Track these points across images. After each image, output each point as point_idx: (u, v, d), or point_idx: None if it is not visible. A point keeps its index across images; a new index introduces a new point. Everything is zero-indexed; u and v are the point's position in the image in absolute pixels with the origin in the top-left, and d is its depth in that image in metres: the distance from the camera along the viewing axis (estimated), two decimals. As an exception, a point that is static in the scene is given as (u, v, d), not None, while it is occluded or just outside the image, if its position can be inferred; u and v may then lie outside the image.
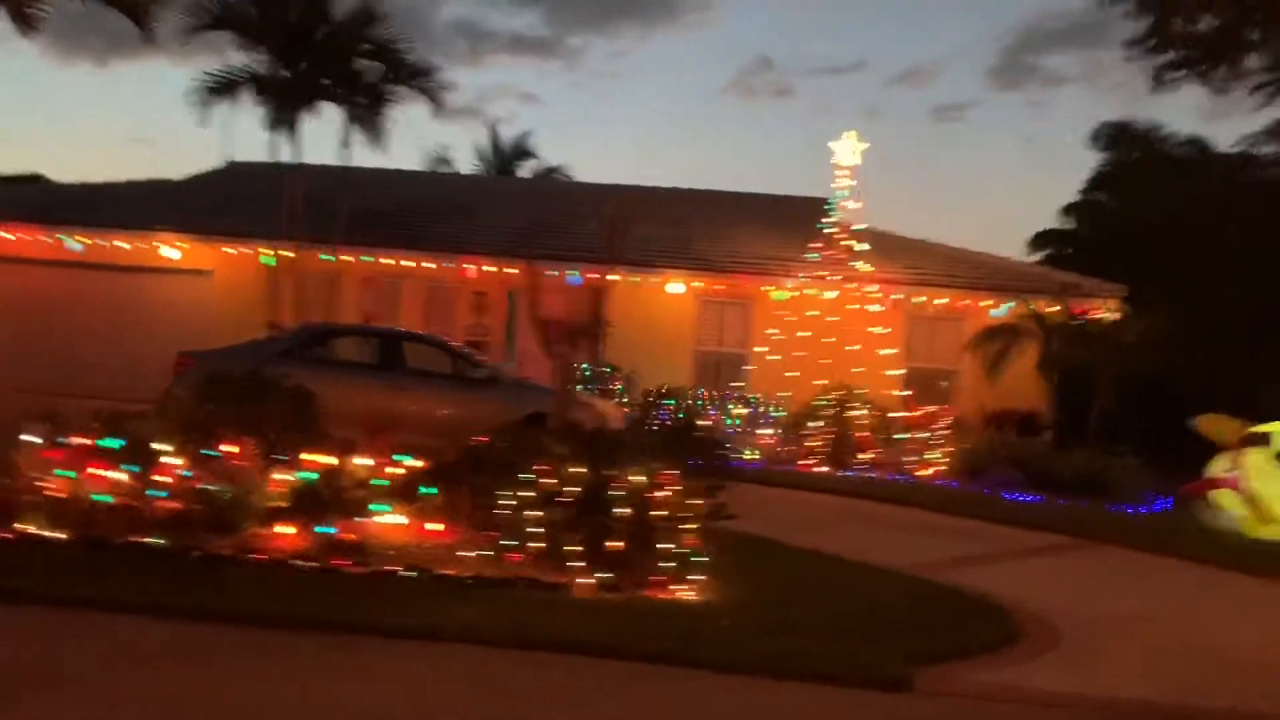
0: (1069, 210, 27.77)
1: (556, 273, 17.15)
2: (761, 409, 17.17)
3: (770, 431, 16.87)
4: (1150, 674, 6.46)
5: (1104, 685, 6.09)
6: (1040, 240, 27.69)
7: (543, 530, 7.06)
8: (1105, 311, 17.43)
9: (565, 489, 7.12)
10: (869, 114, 60.49)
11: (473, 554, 7.15)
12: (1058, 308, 16.68)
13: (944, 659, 6.13)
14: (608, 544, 6.91)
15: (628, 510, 7.00)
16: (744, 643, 5.96)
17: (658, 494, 7.18)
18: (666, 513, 7.12)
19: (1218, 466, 12.34)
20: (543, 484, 7.16)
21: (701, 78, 74.91)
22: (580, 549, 6.89)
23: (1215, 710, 5.87)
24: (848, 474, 15.62)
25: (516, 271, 16.86)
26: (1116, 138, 27.10)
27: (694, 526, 7.29)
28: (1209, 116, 63.35)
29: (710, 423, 16.47)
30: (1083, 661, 6.59)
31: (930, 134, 64.30)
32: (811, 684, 5.52)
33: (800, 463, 16.17)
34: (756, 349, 18.43)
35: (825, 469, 15.95)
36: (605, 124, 68.75)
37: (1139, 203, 21.80)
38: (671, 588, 6.93)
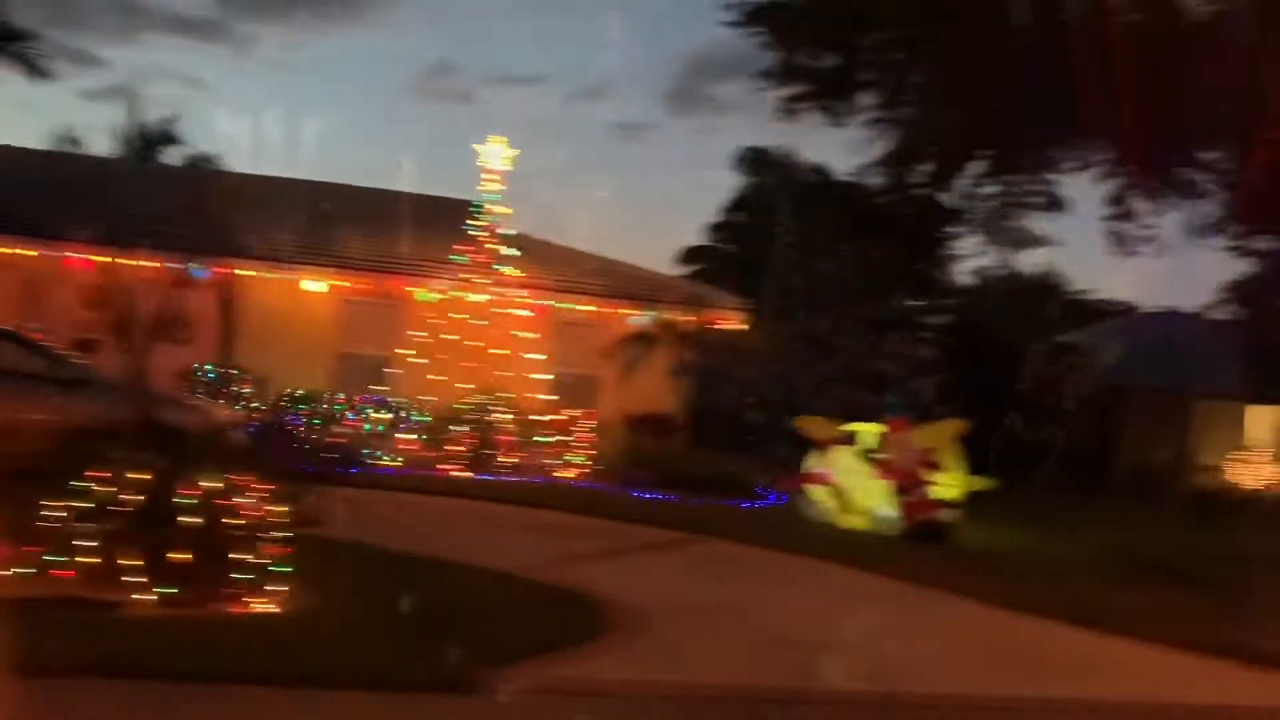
0: (715, 229, 29.66)
1: (182, 266, 15.96)
2: (404, 413, 16.78)
3: (412, 436, 16.51)
4: (725, 660, 6.83)
5: (677, 672, 6.37)
6: (689, 255, 29.30)
7: (96, 544, 6.37)
8: (733, 323, 18.64)
9: (125, 498, 6.46)
10: (549, 127, 61.42)
11: (9, 573, 6.32)
12: (691, 318, 17.63)
13: (524, 656, 6.13)
14: (172, 556, 6.34)
15: (198, 519, 6.46)
16: (311, 653, 5.68)
17: (235, 501, 6.69)
18: (244, 521, 6.65)
19: (812, 463, 13.48)
20: (98, 492, 6.47)
21: (380, 77, 73.07)
22: (139, 563, 6.28)
23: (772, 688, 6.30)
24: (487, 478, 15.59)
25: (137, 264, 15.45)
26: (756, 162, 29.20)
27: (278, 535, 6.86)
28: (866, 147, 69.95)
29: (349, 428, 15.93)
30: (663, 651, 6.86)
31: (609, 151, 66.30)
32: (373, 692, 5.33)
33: (441, 467, 15.94)
34: (402, 351, 17.99)
35: (466, 473, 15.82)
36: (275, 115, 65.20)
37: (767, 224, 23.61)
38: (249, 600, 6.48)
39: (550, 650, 6.33)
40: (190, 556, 6.39)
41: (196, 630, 5.96)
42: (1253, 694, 7.15)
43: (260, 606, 6.44)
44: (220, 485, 6.64)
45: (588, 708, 5.59)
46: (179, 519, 6.43)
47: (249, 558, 6.57)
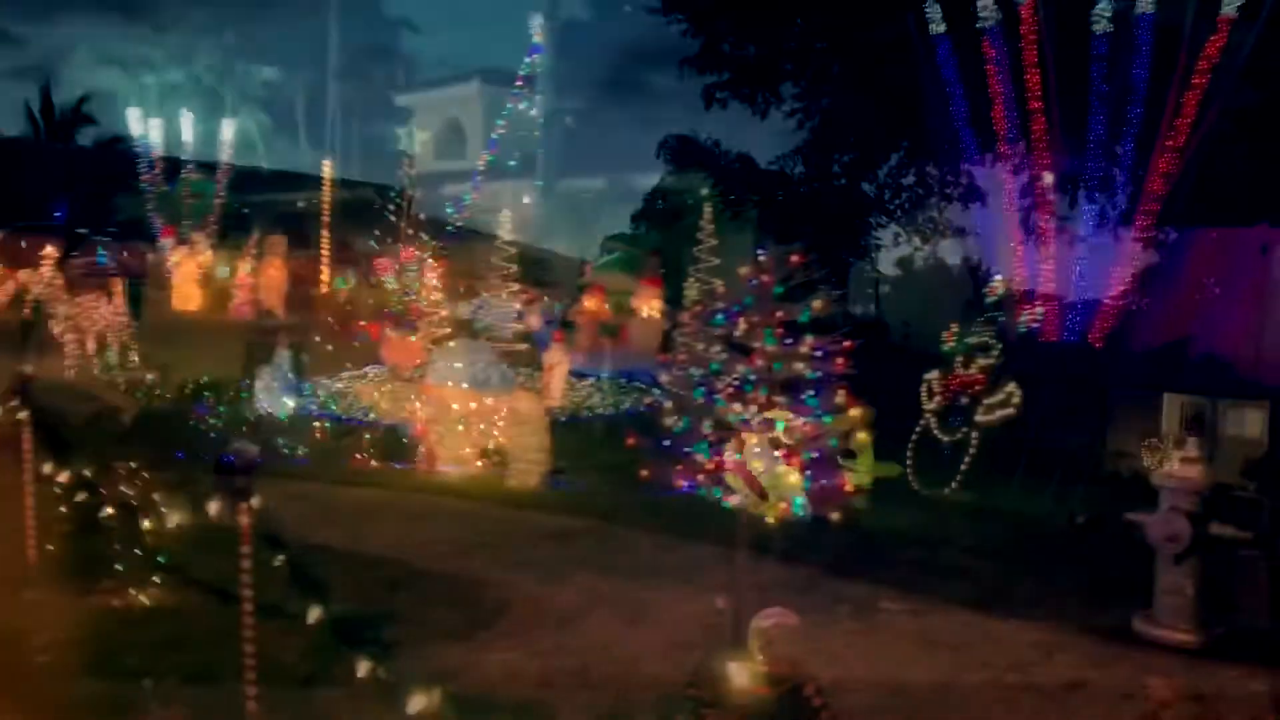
0: (635, 217, 29.64)
1: (87, 248, 15.48)
2: (316, 401, 16.45)
3: (324, 424, 16.17)
4: (621, 653, 6.79)
5: (568, 662, 6.32)
6: (611, 243, 29.07)
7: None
8: (651, 313, 18.64)
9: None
10: (480, 114, 60.48)
11: None
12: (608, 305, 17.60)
13: (414, 646, 6.06)
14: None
15: (73, 510, 6.25)
16: (192, 648, 5.53)
17: (118, 490, 6.48)
18: (125, 511, 6.44)
19: (724, 451, 13.46)
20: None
21: (308, 62, 71.64)
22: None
23: (665, 678, 6.29)
24: (400, 466, 15.32)
25: (36, 246, 14.96)
26: (680, 151, 29.05)
27: (164, 525, 6.66)
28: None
29: (258, 416, 15.58)
30: (557, 641, 6.81)
31: (542, 139, 65.53)
32: (245, 685, 5.20)
33: (352, 456, 15.63)
34: (315, 339, 17.65)
35: (378, 463, 15.53)
36: (195, 98, 63.27)
37: (686, 212, 23.59)
38: (127, 594, 6.30)
39: (441, 640, 6.26)
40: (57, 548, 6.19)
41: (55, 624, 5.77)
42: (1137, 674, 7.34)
43: (136, 600, 6.27)
44: (100, 474, 6.43)
45: (477, 697, 5.54)
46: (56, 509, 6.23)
47: (129, 549, 6.38)
